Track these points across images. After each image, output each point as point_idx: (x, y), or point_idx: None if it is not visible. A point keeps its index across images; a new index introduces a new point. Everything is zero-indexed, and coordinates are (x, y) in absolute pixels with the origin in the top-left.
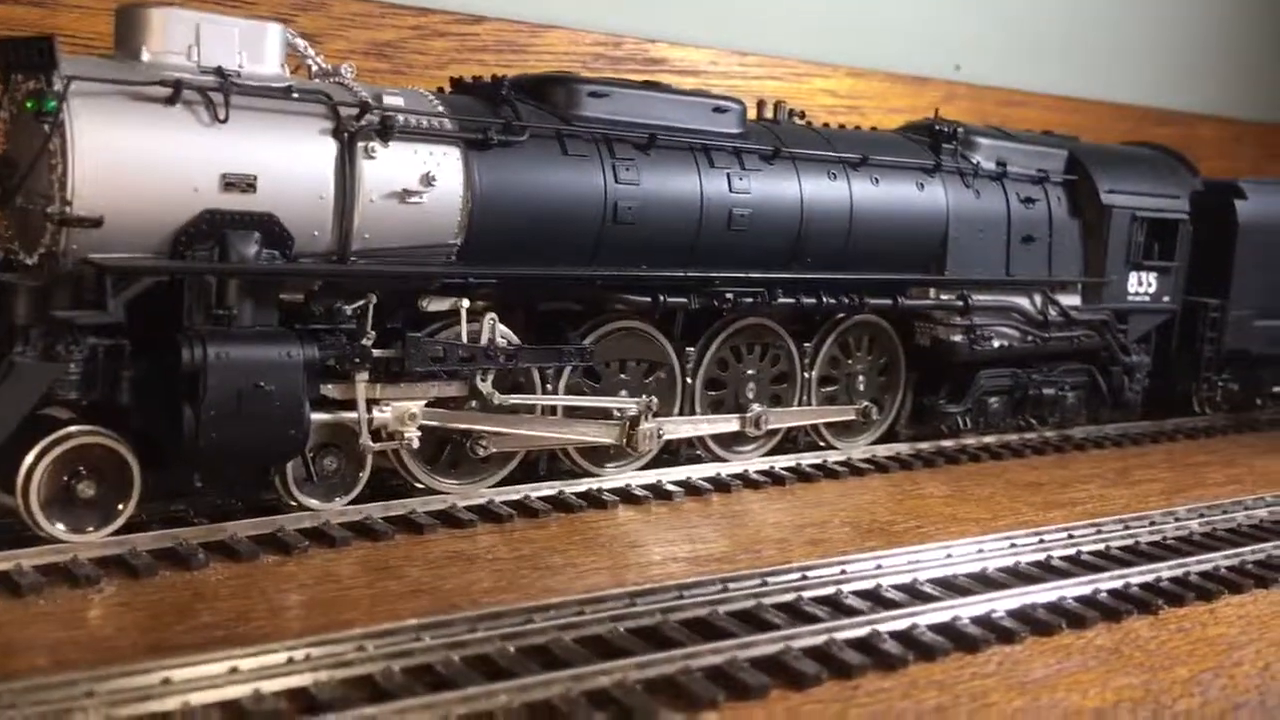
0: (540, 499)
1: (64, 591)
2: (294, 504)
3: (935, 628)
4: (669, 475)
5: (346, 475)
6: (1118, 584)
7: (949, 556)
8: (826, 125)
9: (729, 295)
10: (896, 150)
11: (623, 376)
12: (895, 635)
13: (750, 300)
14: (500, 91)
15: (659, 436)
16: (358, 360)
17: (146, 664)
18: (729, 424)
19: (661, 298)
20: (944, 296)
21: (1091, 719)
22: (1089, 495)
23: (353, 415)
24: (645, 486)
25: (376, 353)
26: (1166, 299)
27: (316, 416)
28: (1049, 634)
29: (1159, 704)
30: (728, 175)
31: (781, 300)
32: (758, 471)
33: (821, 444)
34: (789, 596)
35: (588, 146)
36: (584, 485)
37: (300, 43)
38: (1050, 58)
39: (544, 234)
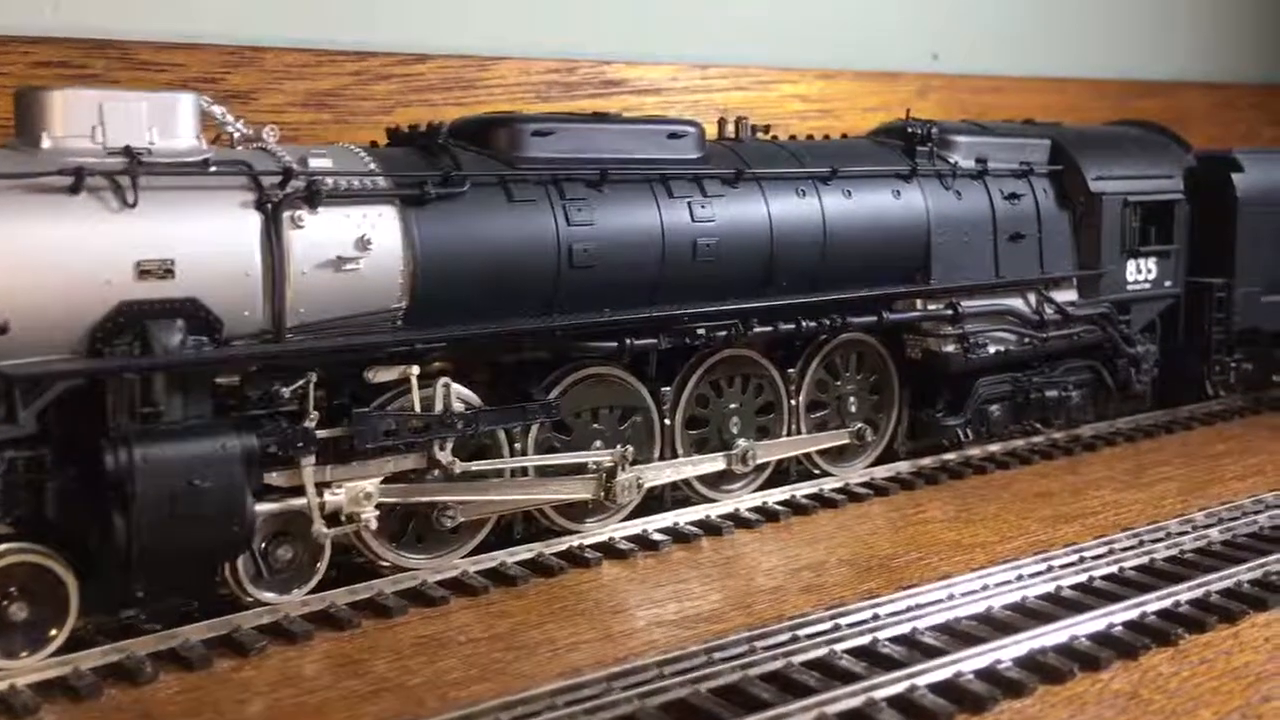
0: (517, 564)
1: None
2: (249, 600)
3: (936, 687)
4: (654, 523)
5: (303, 564)
6: (1133, 614)
7: (950, 598)
8: (794, 137)
9: (700, 331)
10: (868, 158)
11: (595, 426)
12: (892, 701)
13: (724, 333)
14: (437, 140)
15: (639, 486)
16: (301, 445)
17: None
18: (714, 463)
19: (629, 341)
20: (931, 306)
21: None
22: (1101, 503)
23: (302, 501)
24: (630, 538)
25: (322, 433)
26: (1168, 284)
27: (262, 507)
28: (1060, 681)
29: None
30: (689, 204)
31: (758, 330)
32: (750, 509)
33: (816, 472)
34: (778, 664)
35: (535, 190)
36: (564, 544)
37: (217, 110)
38: (1025, 39)
39: (496, 287)
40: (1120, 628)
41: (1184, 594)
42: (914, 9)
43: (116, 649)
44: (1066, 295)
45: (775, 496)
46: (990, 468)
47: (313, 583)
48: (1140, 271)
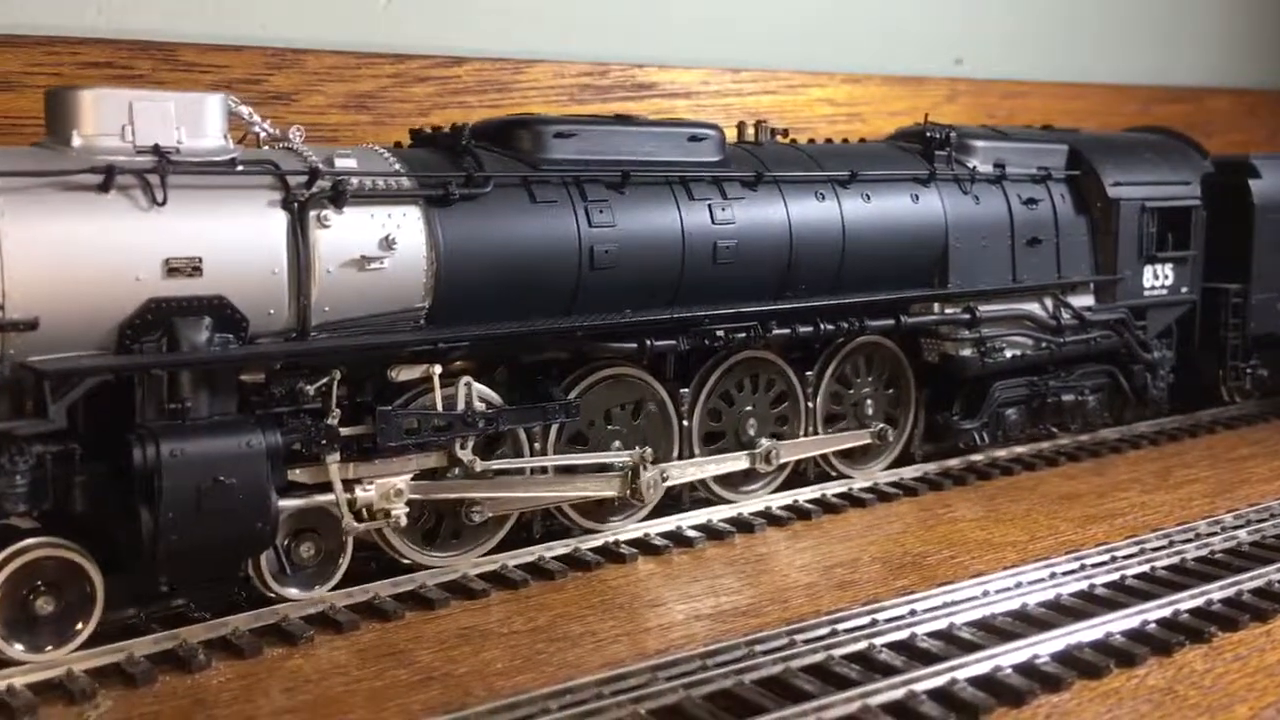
0: (555, 559)
1: (59, 710)
2: (272, 596)
3: (975, 681)
4: (689, 520)
5: (326, 562)
6: (1167, 612)
7: (985, 595)
8: (812, 141)
9: (719, 333)
10: (887, 162)
11: (612, 427)
12: (933, 694)
13: (743, 335)
14: (461, 141)
15: (663, 483)
16: (324, 442)
17: None
18: (738, 462)
19: (648, 342)
20: (949, 310)
21: None
22: (1129, 504)
23: (328, 498)
24: (664, 535)
25: (345, 431)
26: (1185, 289)
27: (287, 503)
28: (1097, 677)
29: None
30: (709, 206)
31: (776, 332)
32: (781, 507)
33: (833, 474)
34: (819, 656)
35: (557, 191)
36: (599, 539)
37: (244, 110)
38: (1052, 44)
39: (517, 288)
40: (1154, 625)
41: (1216, 593)
42: (940, 14)
43: (170, 636)
44: (1083, 300)
45: (806, 495)
46: (1017, 469)
47: (335, 579)
48: (1157, 277)
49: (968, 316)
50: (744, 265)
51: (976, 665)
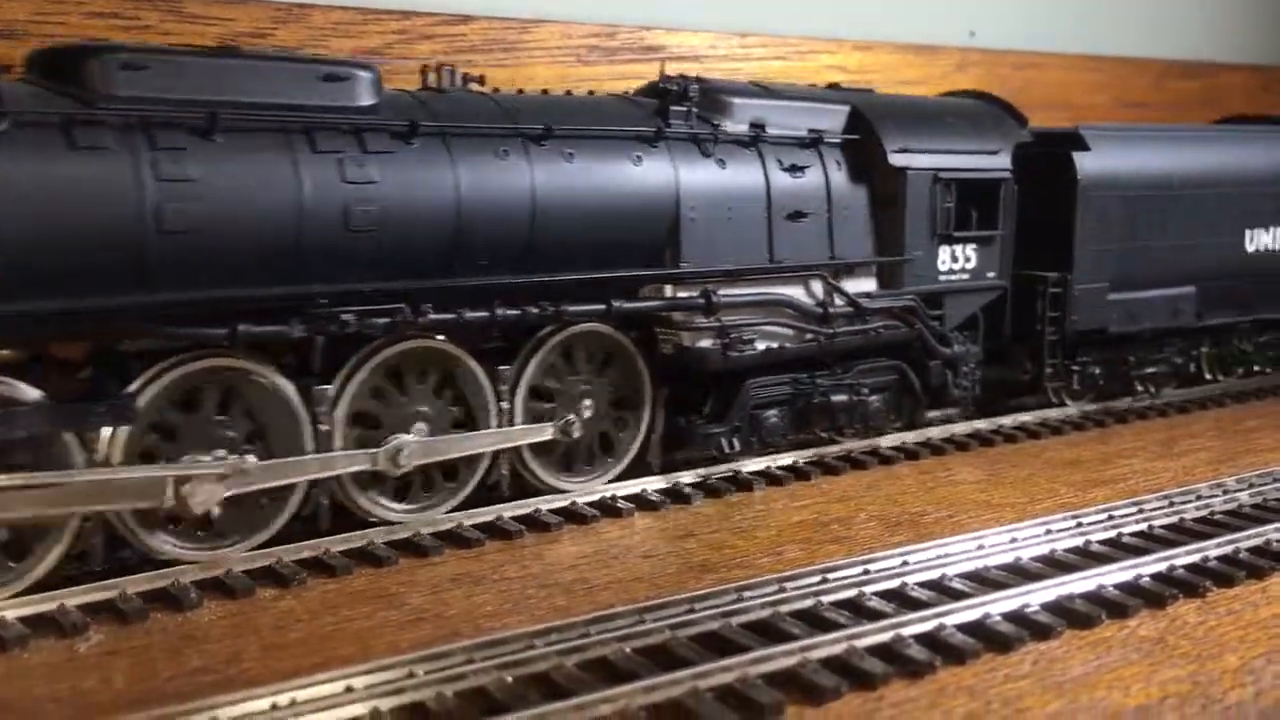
0: (551, 511)
1: (50, 643)
2: None
3: (964, 627)
4: (685, 478)
5: None
6: (1161, 567)
7: (980, 548)
8: (521, 91)
9: (346, 317)
10: (604, 118)
11: (223, 431)
12: (920, 639)
13: (386, 320)
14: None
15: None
16: None
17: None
18: (353, 462)
19: (241, 327)
20: (681, 294)
21: (1134, 718)
22: (1132, 470)
23: None
24: (662, 491)
25: None
26: (992, 274)
27: None
28: (1088, 627)
29: (1208, 697)
30: (340, 161)
31: (434, 317)
32: (780, 467)
33: (541, 486)
34: (808, 603)
35: (112, 135)
36: (597, 495)
37: None
38: (1066, 15)
39: (54, 255)
40: (1148, 579)
41: (1213, 550)
42: None
43: (161, 575)
44: (864, 284)
45: (805, 456)
46: (1021, 436)
47: None
48: (957, 259)
49: (704, 301)
50: (391, 234)
51: (966, 612)
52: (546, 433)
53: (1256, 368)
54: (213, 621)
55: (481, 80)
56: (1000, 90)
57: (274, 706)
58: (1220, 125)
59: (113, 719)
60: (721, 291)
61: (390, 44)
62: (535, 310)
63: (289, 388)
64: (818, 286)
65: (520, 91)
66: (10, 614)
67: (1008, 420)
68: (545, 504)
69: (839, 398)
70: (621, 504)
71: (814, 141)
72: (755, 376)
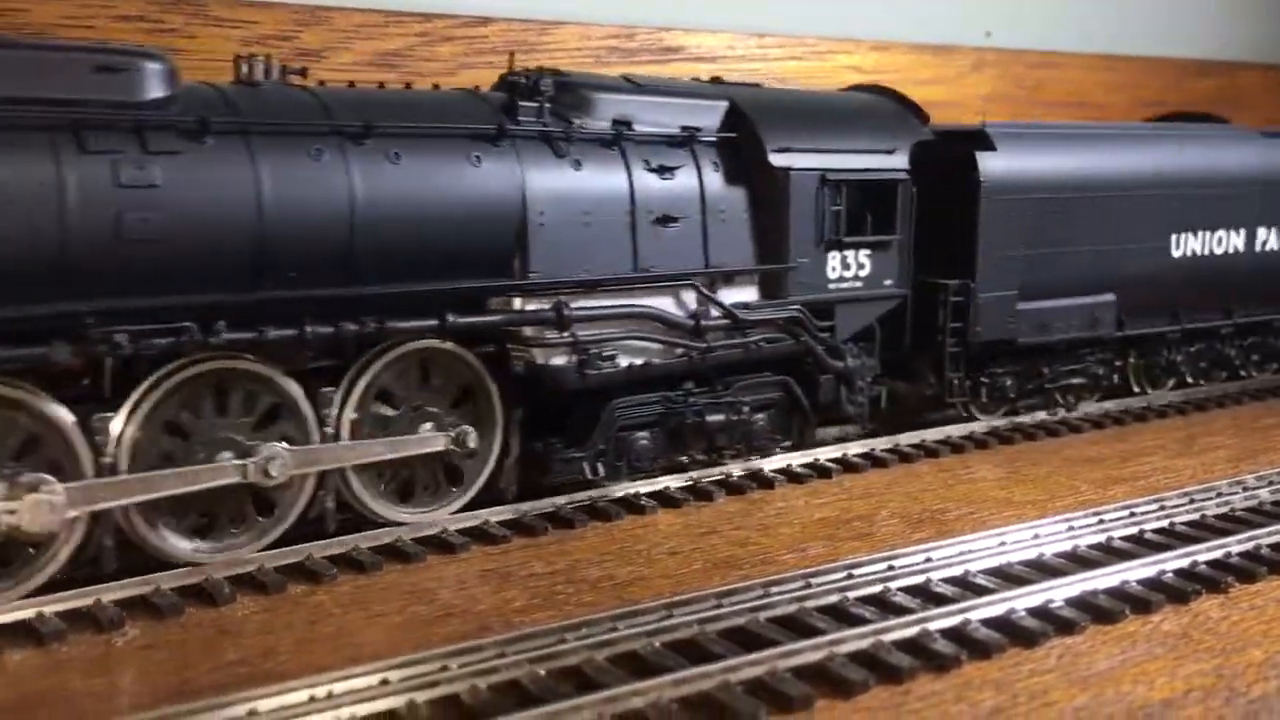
0: (573, 509)
1: (87, 637)
2: None
3: (989, 622)
4: (709, 476)
5: None
6: (1184, 563)
7: (1002, 545)
8: (352, 84)
9: (119, 338)
10: (439, 114)
11: None
12: (946, 633)
13: (169, 339)
14: None
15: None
16: None
17: (166, 710)
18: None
19: None
20: (530, 307)
21: (1159, 712)
22: (1152, 468)
23: None
24: (683, 489)
25: None
26: (889, 282)
27: None
28: (1112, 622)
29: (1232, 690)
30: (113, 162)
31: (228, 336)
32: (801, 465)
33: (380, 521)
34: (834, 598)
35: None
36: (620, 492)
37: None
38: (1083, 14)
39: None
40: (1171, 575)
41: (1234, 546)
42: None
43: (196, 571)
44: (744, 294)
45: (827, 454)
46: (1040, 434)
47: None
48: (849, 266)
49: (554, 315)
50: (177, 244)
51: (991, 607)
52: (439, 443)
53: (1190, 380)
54: (246, 616)
55: (303, 73)
56: (1017, 90)
57: (312, 699)
58: (1150, 124)
59: (151, 712)
60: (577, 304)
61: (412, 46)
62: (354, 326)
63: (67, 417)
64: (690, 297)
65: (351, 85)
66: (48, 609)
67: (1026, 419)
68: (567, 500)
69: (716, 417)
70: (645, 501)
71: (686, 140)
72: (621, 395)
